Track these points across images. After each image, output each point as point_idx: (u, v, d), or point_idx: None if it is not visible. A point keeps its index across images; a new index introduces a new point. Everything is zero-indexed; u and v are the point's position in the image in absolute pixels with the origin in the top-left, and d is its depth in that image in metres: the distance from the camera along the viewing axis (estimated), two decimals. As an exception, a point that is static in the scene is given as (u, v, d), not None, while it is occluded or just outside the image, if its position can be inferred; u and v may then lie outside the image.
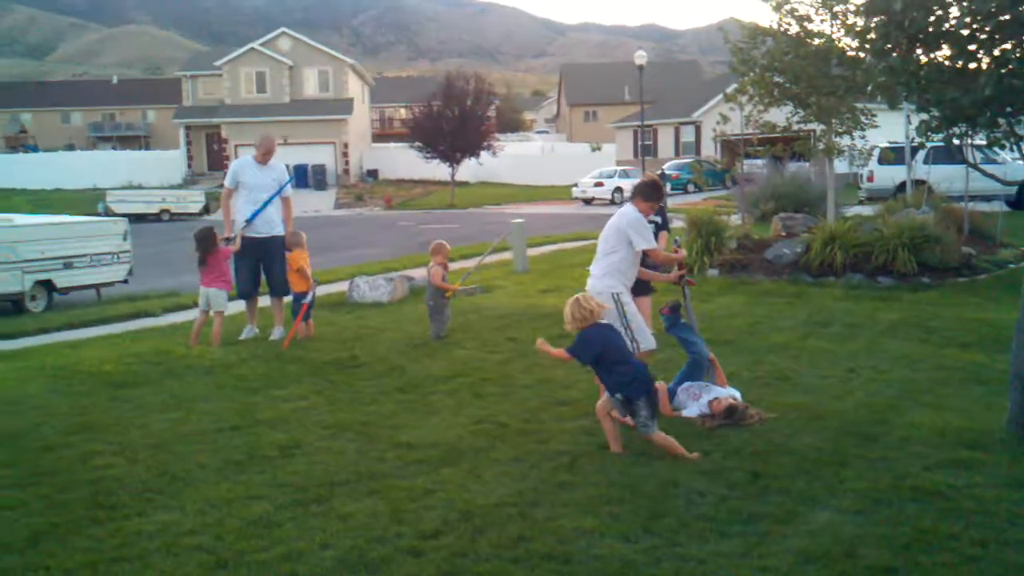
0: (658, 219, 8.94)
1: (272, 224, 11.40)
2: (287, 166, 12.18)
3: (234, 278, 11.44)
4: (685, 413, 7.34)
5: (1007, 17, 6.31)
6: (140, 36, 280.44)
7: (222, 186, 11.98)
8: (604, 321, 6.75)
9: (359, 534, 5.23)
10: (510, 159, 60.38)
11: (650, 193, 7.67)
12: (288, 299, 11.50)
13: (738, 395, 7.47)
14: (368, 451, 6.78)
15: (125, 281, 18.07)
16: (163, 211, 44.64)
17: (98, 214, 38.49)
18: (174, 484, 6.24)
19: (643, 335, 7.41)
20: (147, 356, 10.61)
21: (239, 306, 12.13)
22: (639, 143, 51.45)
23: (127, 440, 7.30)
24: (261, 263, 11.48)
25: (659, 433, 6.45)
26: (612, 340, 6.62)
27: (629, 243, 7.42)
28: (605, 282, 7.39)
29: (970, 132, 7.23)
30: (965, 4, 6.57)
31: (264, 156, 11.40)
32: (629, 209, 7.60)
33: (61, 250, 16.85)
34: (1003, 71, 6.45)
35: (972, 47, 6.66)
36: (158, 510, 5.75)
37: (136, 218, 34.61)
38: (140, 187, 54.88)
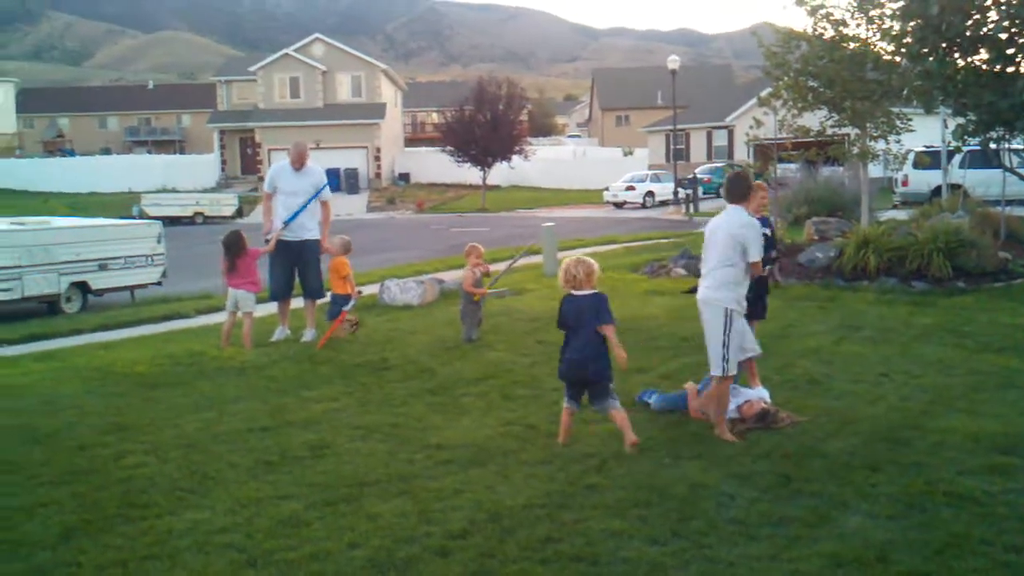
0: (767, 231, 8.31)
1: (304, 228, 11.46)
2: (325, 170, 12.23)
3: (268, 279, 11.57)
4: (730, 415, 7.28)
5: (1044, 19, 6.25)
6: (176, 42, 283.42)
7: (255, 190, 12.28)
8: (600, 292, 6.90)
9: (387, 534, 5.25)
10: (541, 163, 60.39)
11: (744, 188, 7.21)
12: (323, 301, 11.56)
13: (767, 396, 7.42)
14: (397, 452, 6.80)
15: (159, 283, 18.25)
16: (197, 214, 45.02)
17: (133, 217, 38.92)
18: (205, 483, 6.28)
19: (731, 362, 6.93)
20: (180, 357, 10.70)
21: (270, 308, 12.21)
22: (671, 147, 51.33)
23: (159, 440, 7.36)
24: (296, 266, 11.59)
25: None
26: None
27: (744, 252, 6.89)
28: (720, 294, 6.96)
29: (1007, 136, 7.17)
30: (1003, 8, 6.52)
31: (297, 162, 11.43)
32: (740, 214, 7.04)
33: (96, 252, 17.04)
34: (1040, 73, 6.39)
35: (1010, 51, 6.62)
36: (189, 509, 5.79)
37: (170, 221, 34.91)
38: (174, 191, 55.40)
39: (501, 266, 17.05)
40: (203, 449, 7.07)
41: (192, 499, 5.98)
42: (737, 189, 7.19)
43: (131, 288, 17.89)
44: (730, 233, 6.89)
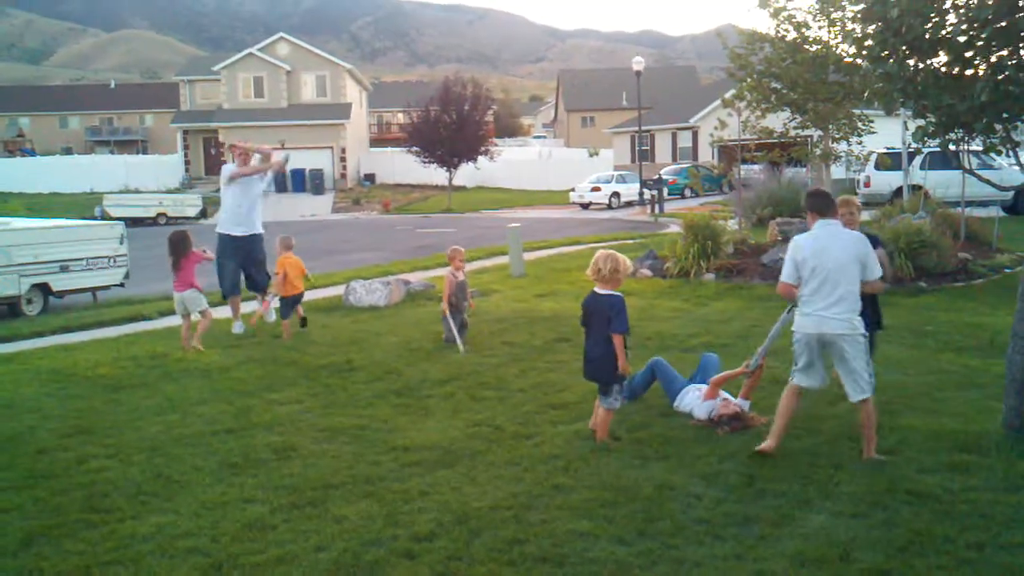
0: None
1: (254, 225, 12.45)
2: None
3: (218, 277, 12.30)
4: (696, 414, 7.32)
5: (1003, 24, 6.33)
6: (138, 40, 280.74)
7: (219, 190, 12.77)
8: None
9: (354, 536, 5.23)
10: (508, 164, 60.43)
11: (830, 204, 6.74)
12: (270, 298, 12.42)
13: (747, 407, 7.44)
14: (363, 454, 6.78)
15: (121, 284, 18.05)
16: (160, 215, 44.54)
17: (95, 218, 38.47)
18: (169, 487, 6.23)
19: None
20: (142, 359, 10.61)
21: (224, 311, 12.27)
22: (637, 148, 51.50)
23: (122, 443, 7.30)
24: (244, 262, 12.46)
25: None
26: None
27: (863, 271, 6.41)
28: (859, 322, 6.39)
29: (966, 138, 7.25)
30: (962, 11, 6.60)
31: (242, 159, 12.37)
32: (857, 235, 6.61)
33: (57, 254, 16.82)
34: (999, 77, 6.47)
35: (968, 54, 6.69)
36: (153, 513, 5.75)
37: (133, 222, 34.56)
38: (137, 191, 54.83)
39: (466, 268, 17.05)
40: (166, 452, 7.02)
41: (155, 503, 5.93)
42: (825, 205, 6.71)
43: (93, 290, 17.68)
44: (858, 254, 6.39)
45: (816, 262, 6.39)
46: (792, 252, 6.57)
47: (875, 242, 7.33)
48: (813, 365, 6.53)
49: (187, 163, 65.10)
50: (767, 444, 6.40)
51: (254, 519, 5.56)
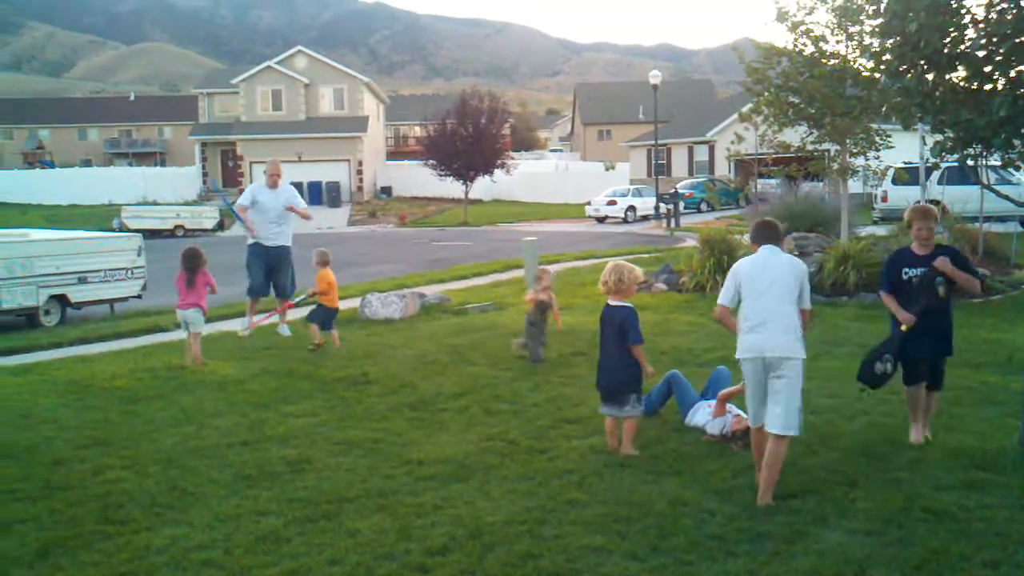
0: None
1: (282, 236, 13.00)
2: (294, 185, 13.95)
3: (248, 278, 12.85)
4: (708, 430, 7.29)
5: (1022, 39, 6.31)
6: (157, 54, 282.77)
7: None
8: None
9: (367, 550, 5.23)
10: (524, 177, 60.50)
11: (774, 235, 6.44)
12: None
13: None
14: (378, 467, 6.78)
15: (139, 296, 18.14)
16: (177, 227, 44.79)
17: (113, 230, 38.71)
18: (184, 499, 6.25)
19: (797, 415, 5.97)
20: (159, 371, 10.65)
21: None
22: (653, 162, 51.47)
23: (138, 455, 7.32)
24: (272, 268, 12.92)
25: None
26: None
27: (801, 295, 6.12)
28: (800, 346, 6.03)
29: (984, 153, 7.22)
30: (981, 26, 6.58)
31: (272, 180, 12.94)
32: (792, 259, 6.35)
33: (75, 265, 16.92)
34: (1018, 92, 6.45)
35: (987, 68, 6.67)
36: (167, 525, 5.76)
37: (150, 234, 34.72)
38: (155, 203, 55.18)
39: (482, 280, 17.07)
40: (182, 464, 7.04)
41: (170, 515, 5.95)
42: (772, 233, 6.45)
43: (111, 301, 17.77)
44: (796, 275, 6.13)
45: (754, 282, 6.17)
46: (731, 274, 6.39)
47: (954, 254, 7.00)
48: (759, 395, 6.07)
49: (205, 175, 65.44)
50: (762, 498, 5.87)
51: (268, 532, 5.56)
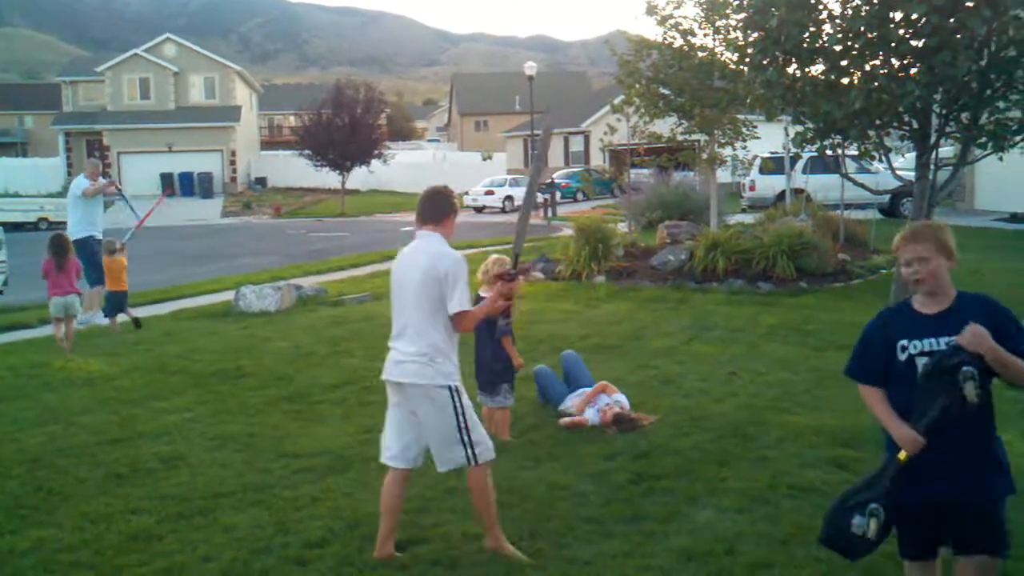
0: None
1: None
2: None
3: (95, 273, 13.35)
4: (591, 420, 7.38)
5: (875, 35, 6.61)
6: (16, 39, 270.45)
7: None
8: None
9: (243, 545, 5.17)
10: (402, 167, 60.12)
11: (431, 209, 5.24)
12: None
13: (625, 402, 7.55)
14: (253, 462, 6.69)
15: (0, 292, 17.42)
16: (41, 220, 43.03)
17: (-30, 223, 36.98)
18: (50, 500, 6.05)
19: (485, 444, 5.03)
20: (22, 369, 10.27)
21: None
22: (530, 152, 51.83)
23: (0, 456, 7.05)
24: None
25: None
26: None
27: (441, 298, 4.86)
28: (444, 369, 4.87)
29: (842, 143, 7.53)
30: (837, 22, 6.87)
31: (92, 177, 13.96)
32: (442, 251, 4.98)
33: (-70, 260, 16.15)
34: (872, 86, 6.75)
35: (843, 63, 6.97)
36: (33, 527, 5.57)
37: (13, 227, 33.26)
38: (17, 195, 52.84)
39: (359, 271, 16.95)
40: (48, 464, 6.81)
41: (36, 516, 5.76)
42: (430, 207, 5.24)
43: (-32, 298, 17.02)
44: (430, 272, 4.86)
45: (394, 280, 5.10)
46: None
47: (990, 308, 3.71)
48: (403, 430, 5.01)
49: (69, 166, 62.97)
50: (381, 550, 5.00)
51: (140, 530, 5.44)
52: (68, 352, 10.86)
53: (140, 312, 13.61)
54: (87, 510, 5.81)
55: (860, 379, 3.96)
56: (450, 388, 4.83)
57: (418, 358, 4.82)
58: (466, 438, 4.85)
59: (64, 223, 14.22)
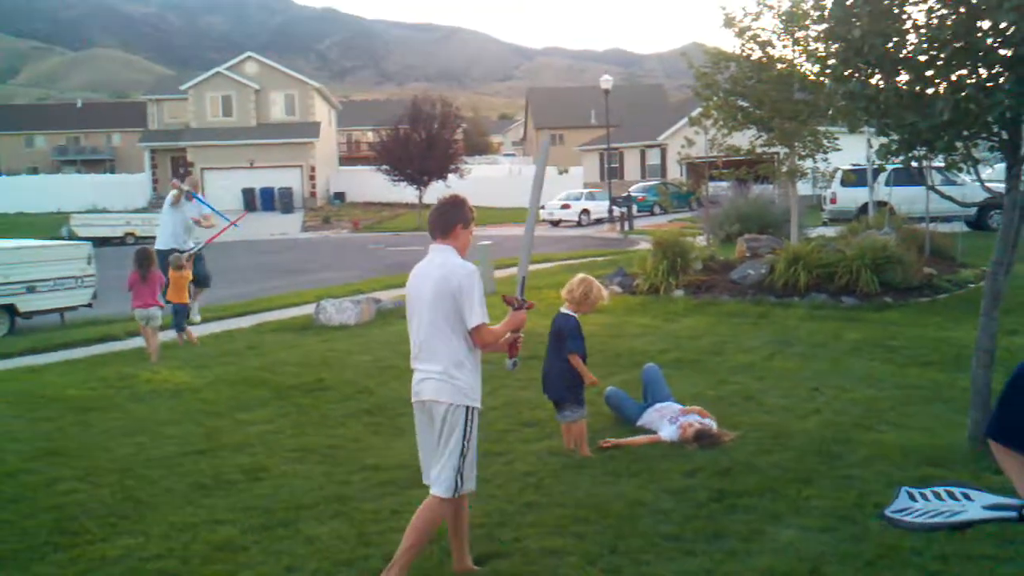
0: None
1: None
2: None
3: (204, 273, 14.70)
4: (663, 435, 7.32)
5: (961, 44, 6.45)
6: (105, 60, 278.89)
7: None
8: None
9: (325, 557, 5.22)
10: (477, 182, 60.44)
11: (441, 221, 5.14)
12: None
13: (715, 427, 7.44)
14: (334, 474, 6.77)
15: (89, 305, 17.87)
16: (128, 234, 44.19)
17: (62, 238, 38.13)
18: (139, 509, 6.19)
19: (472, 477, 4.94)
20: (111, 380, 10.53)
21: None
22: (605, 166, 51.75)
23: (91, 465, 7.23)
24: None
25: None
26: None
27: (459, 313, 4.87)
28: (463, 387, 4.87)
29: (928, 155, 7.36)
30: (922, 31, 6.72)
31: (193, 189, 15.29)
32: (456, 263, 5.00)
33: (24, 274, 16.63)
34: (959, 96, 6.59)
35: (929, 73, 6.81)
36: (122, 535, 5.70)
37: (100, 242, 34.25)
38: (105, 211, 54.36)
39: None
40: (136, 474, 6.97)
41: (125, 525, 5.89)
42: (441, 219, 5.14)
43: (60, 310, 17.51)
44: (444, 287, 4.88)
45: (408, 297, 5.08)
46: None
47: None
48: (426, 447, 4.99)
49: (155, 182, 64.67)
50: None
51: (225, 541, 5.53)
52: (154, 363, 11.15)
53: (224, 325, 13.89)
54: (174, 520, 5.93)
55: (1002, 441, 3.07)
56: (467, 409, 4.81)
57: (437, 375, 4.82)
58: (460, 464, 4.78)
59: (150, 238, 14.86)
